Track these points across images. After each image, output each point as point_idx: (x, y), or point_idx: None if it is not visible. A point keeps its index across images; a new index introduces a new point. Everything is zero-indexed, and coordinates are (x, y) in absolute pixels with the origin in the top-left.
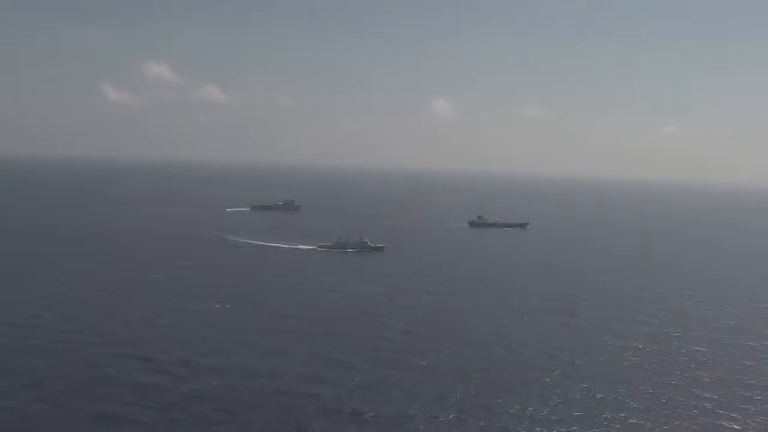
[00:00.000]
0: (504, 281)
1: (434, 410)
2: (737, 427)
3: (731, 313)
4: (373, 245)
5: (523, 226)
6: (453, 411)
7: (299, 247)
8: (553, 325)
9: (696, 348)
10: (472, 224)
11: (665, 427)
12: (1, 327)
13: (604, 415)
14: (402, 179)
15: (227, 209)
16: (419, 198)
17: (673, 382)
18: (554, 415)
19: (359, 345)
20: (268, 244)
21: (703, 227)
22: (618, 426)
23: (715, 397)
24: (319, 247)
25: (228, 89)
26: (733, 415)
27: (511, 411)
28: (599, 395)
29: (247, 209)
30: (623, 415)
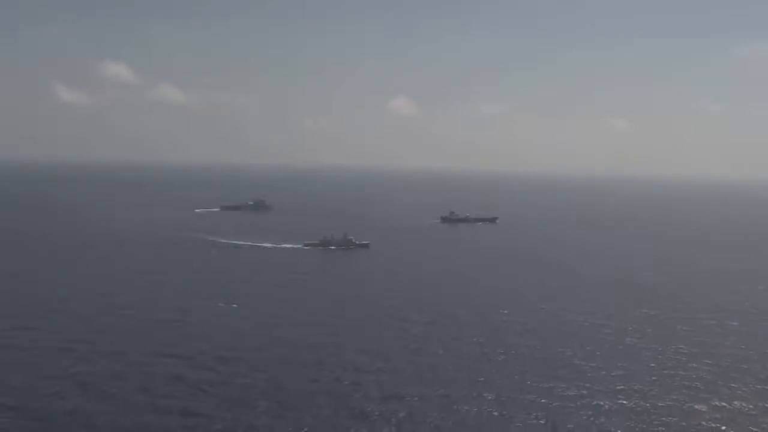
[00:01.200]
0: (485, 270)
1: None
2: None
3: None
4: (357, 242)
5: (492, 220)
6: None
7: (284, 246)
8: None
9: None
10: (444, 219)
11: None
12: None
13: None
14: (364, 177)
15: (196, 210)
16: (384, 195)
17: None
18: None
19: (382, 334)
20: (252, 243)
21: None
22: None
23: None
24: (305, 245)
25: (187, 88)
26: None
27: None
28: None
29: (217, 210)
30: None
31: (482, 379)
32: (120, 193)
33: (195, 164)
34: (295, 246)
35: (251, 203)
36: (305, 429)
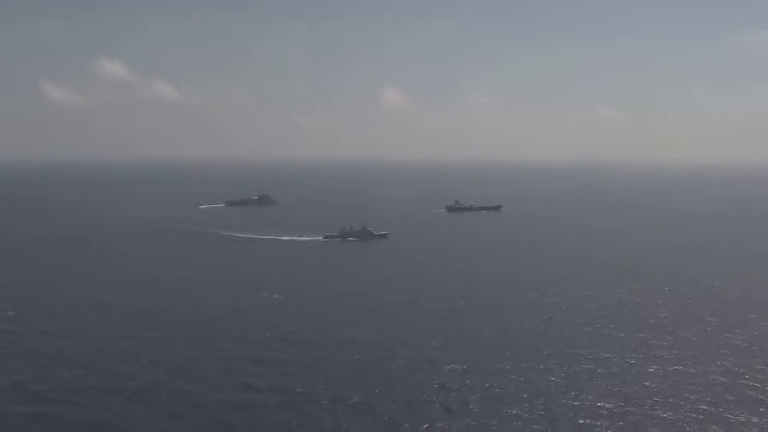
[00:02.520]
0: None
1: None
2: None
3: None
4: (376, 233)
5: (496, 208)
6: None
7: (302, 238)
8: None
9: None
10: (449, 209)
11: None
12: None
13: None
14: (359, 170)
15: (200, 206)
16: (382, 188)
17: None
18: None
19: (434, 308)
20: (271, 237)
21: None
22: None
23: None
24: (325, 237)
25: (181, 86)
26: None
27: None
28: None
29: (222, 205)
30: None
31: (546, 352)
32: (120, 191)
33: (188, 161)
34: (315, 238)
35: (256, 198)
36: (392, 399)
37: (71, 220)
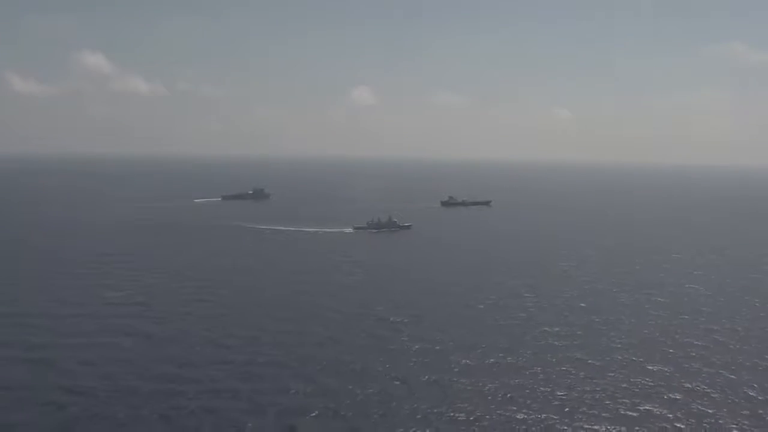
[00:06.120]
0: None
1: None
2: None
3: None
4: (401, 224)
5: (487, 203)
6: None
7: (326, 230)
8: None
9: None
10: (444, 204)
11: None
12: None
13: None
14: (331, 166)
15: (195, 200)
16: (362, 183)
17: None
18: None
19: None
20: (295, 228)
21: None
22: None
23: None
24: (354, 228)
25: (152, 79)
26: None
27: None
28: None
29: (218, 199)
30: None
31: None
32: (117, 185)
33: (161, 156)
34: (342, 230)
35: (251, 192)
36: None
37: (80, 209)
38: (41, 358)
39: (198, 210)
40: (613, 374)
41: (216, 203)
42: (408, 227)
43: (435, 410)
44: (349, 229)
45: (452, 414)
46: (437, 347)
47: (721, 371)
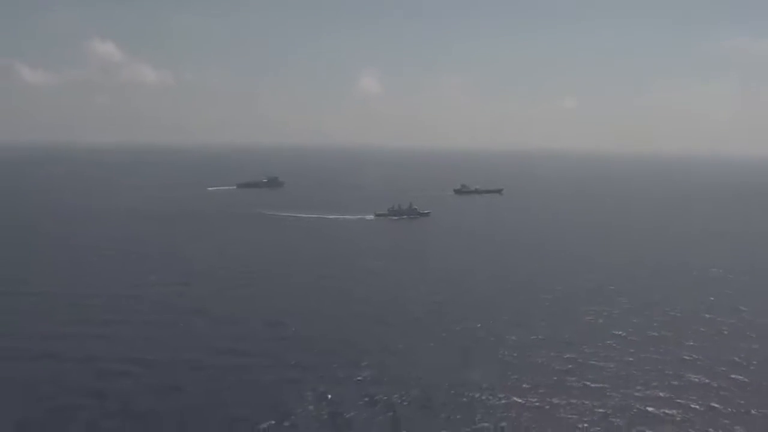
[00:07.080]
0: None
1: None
2: None
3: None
4: (421, 211)
5: (499, 191)
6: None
7: (347, 217)
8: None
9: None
10: (457, 192)
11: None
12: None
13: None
14: (341, 155)
15: (208, 188)
16: (373, 171)
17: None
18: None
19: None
20: (318, 216)
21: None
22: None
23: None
24: (376, 215)
25: (160, 69)
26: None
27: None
28: None
29: (233, 187)
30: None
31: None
32: (125, 173)
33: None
34: (363, 216)
35: (265, 180)
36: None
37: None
38: (111, 333)
39: (213, 198)
40: (654, 348)
41: (230, 191)
42: (427, 214)
43: (504, 383)
44: (371, 216)
45: (523, 385)
46: (486, 330)
47: None
